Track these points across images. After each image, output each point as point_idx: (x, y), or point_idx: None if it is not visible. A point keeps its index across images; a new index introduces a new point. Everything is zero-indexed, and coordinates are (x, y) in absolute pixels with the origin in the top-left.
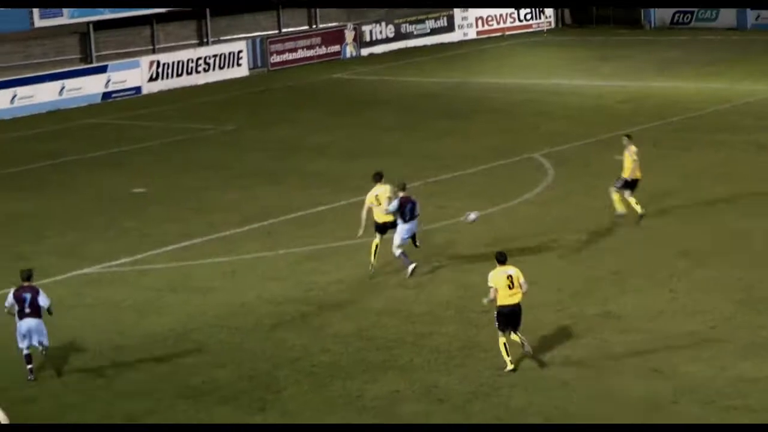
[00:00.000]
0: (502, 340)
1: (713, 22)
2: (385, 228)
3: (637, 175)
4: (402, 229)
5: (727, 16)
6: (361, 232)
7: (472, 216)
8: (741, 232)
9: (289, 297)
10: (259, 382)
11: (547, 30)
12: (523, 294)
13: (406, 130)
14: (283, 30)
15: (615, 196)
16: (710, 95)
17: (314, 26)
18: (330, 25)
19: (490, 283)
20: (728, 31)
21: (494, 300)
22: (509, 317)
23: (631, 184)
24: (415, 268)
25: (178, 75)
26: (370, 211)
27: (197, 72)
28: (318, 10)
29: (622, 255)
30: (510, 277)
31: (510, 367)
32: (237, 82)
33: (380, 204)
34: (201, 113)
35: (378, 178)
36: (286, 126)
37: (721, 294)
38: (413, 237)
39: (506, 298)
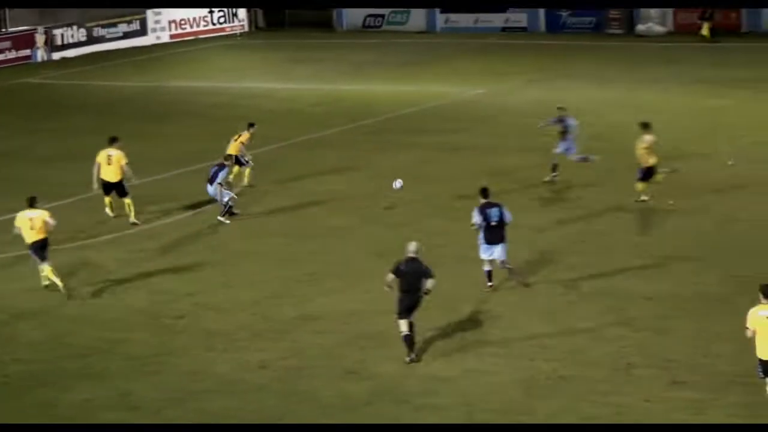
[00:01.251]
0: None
1: (404, 26)
2: (110, 188)
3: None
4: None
5: (418, 19)
6: (95, 186)
7: (397, 184)
8: (437, 233)
9: None
10: None
11: (240, 33)
12: (50, 232)
13: (100, 135)
14: None
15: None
16: (401, 98)
17: (3, 29)
18: (20, 28)
19: (16, 223)
20: (419, 34)
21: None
22: (35, 251)
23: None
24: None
25: None
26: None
27: None
28: (7, 12)
29: (318, 257)
30: (32, 219)
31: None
32: None
33: (110, 165)
34: None
35: (112, 141)
36: None
37: None
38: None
39: (29, 237)
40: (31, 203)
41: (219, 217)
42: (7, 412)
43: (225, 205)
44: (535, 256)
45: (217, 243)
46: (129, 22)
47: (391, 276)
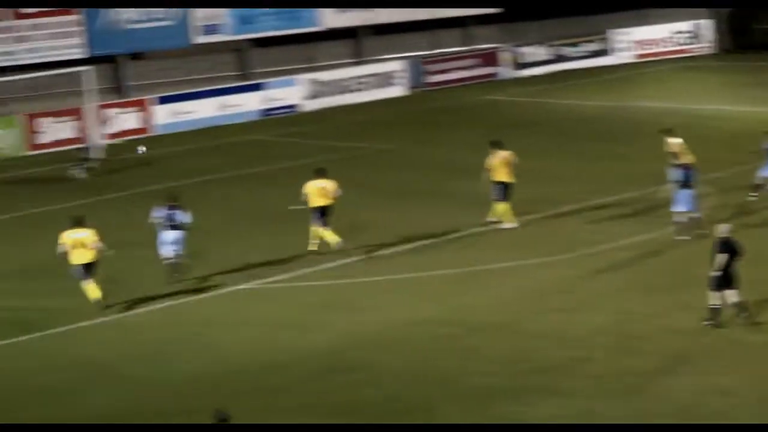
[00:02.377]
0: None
1: None
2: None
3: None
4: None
5: None
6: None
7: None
8: None
9: (443, 318)
10: (411, 403)
11: (710, 52)
12: (335, 198)
13: (561, 153)
14: (439, 50)
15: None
16: None
17: (470, 47)
18: (486, 46)
19: (304, 191)
20: None
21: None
22: (322, 212)
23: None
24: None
25: (334, 93)
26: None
27: (353, 91)
28: (474, 30)
29: None
30: (323, 188)
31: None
32: (392, 101)
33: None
34: (356, 132)
35: (496, 144)
36: (440, 147)
37: None
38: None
39: (318, 200)
40: (320, 173)
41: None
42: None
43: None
44: None
45: (677, 263)
46: (593, 42)
47: (725, 256)
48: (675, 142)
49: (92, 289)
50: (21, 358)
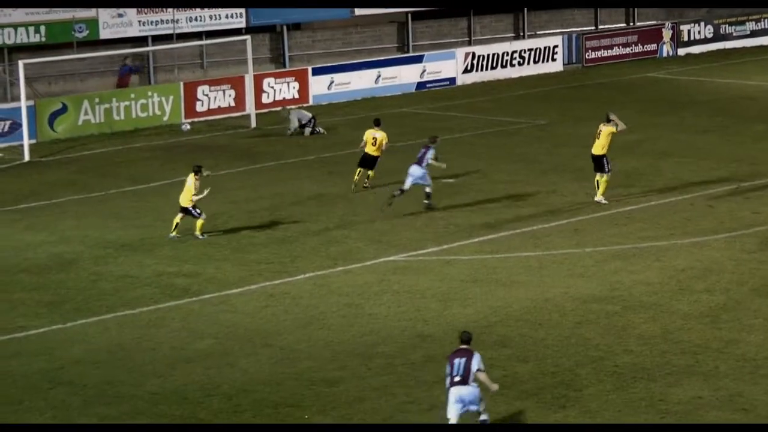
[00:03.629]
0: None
1: None
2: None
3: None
4: None
5: None
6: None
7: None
8: None
9: (594, 295)
10: (560, 378)
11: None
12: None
13: (719, 132)
14: (600, 27)
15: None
16: None
17: (631, 24)
18: (648, 23)
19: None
20: None
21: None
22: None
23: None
24: None
25: (492, 68)
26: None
27: (511, 65)
28: (636, 8)
29: None
30: (600, 132)
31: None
32: (551, 76)
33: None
34: (514, 107)
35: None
36: (597, 123)
37: None
38: None
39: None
40: (608, 117)
41: None
42: (615, 402)
43: None
44: None
45: None
46: (757, 21)
47: None
48: None
49: (175, 221)
50: (172, 322)
